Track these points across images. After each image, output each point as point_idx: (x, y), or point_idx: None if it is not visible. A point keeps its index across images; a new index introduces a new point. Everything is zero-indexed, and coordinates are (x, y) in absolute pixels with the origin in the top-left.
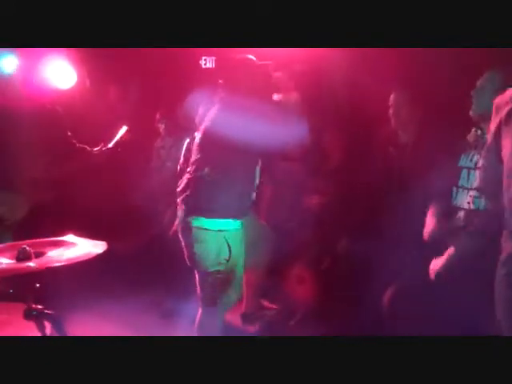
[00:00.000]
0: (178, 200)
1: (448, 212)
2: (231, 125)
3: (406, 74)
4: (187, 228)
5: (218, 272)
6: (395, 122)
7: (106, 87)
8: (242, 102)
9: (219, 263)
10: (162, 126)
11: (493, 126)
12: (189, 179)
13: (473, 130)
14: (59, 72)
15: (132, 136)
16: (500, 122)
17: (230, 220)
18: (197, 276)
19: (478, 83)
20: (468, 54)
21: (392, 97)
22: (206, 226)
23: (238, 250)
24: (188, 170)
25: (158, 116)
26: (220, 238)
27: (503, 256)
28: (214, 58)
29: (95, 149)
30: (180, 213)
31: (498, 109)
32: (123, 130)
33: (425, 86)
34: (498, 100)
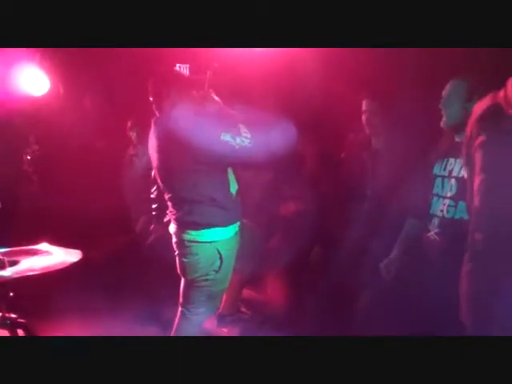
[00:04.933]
0: (170, 218)
1: (423, 219)
2: (178, 138)
3: (379, 80)
4: (180, 241)
5: (206, 280)
6: (369, 129)
7: (79, 94)
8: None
9: (208, 273)
10: (133, 134)
11: (469, 130)
12: (171, 201)
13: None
14: (32, 79)
15: (105, 143)
16: (474, 124)
17: (221, 229)
18: (182, 282)
19: (444, 93)
20: (441, 60)
21: (364, 103)
22: (198, 239)
23: (230, 261)
24: (167, 195)
25: (129, 124)
26: (212, 250)
27: (467, 254)
28: (187, 65)
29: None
30: (173, 228)
31: (476, 114)
32: None
33: (397, 93)
34: (477, 107)
